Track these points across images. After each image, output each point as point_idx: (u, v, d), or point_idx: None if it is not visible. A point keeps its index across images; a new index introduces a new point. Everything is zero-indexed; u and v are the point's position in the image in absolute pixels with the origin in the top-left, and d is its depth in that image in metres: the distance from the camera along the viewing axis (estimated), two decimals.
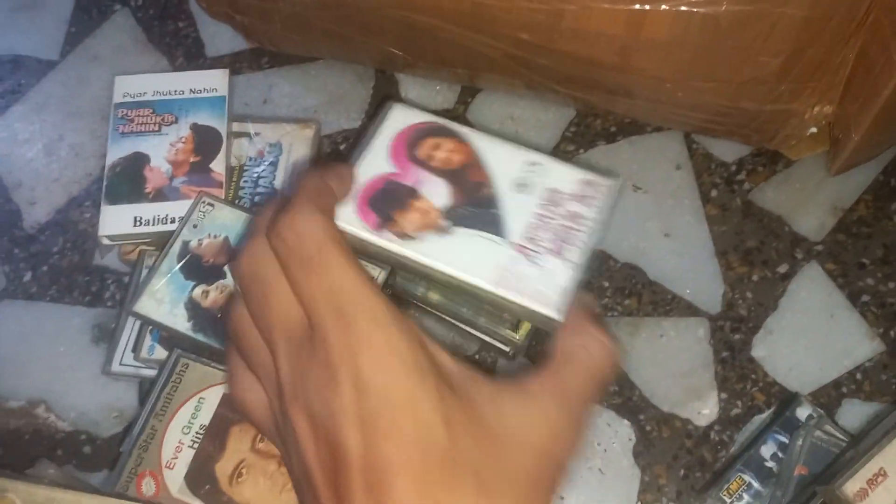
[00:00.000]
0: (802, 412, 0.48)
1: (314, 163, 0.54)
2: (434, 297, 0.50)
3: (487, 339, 0.51)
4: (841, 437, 0.47)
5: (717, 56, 0.44)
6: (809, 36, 0.42)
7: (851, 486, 0.40)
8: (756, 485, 0.47)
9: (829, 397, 0.51)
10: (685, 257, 0.55)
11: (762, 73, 0.45)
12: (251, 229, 0.34)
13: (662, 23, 0.42)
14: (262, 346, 0.31)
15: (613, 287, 0.54)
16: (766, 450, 0.48)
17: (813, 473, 0.45)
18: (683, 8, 0.42)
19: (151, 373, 0.49)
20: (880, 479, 0.40)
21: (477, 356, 0.52)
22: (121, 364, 0.49)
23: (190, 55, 0.63)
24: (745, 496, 0.47)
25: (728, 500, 0.47)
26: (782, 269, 0.54)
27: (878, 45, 0.41)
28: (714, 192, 0.57)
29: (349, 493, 0.26)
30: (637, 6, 0.42)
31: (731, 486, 0.47)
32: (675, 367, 0.52)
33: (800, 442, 0.46)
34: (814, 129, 0.50)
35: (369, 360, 0.27)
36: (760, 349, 0.52)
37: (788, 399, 0.50)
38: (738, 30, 0.42)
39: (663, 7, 0.42)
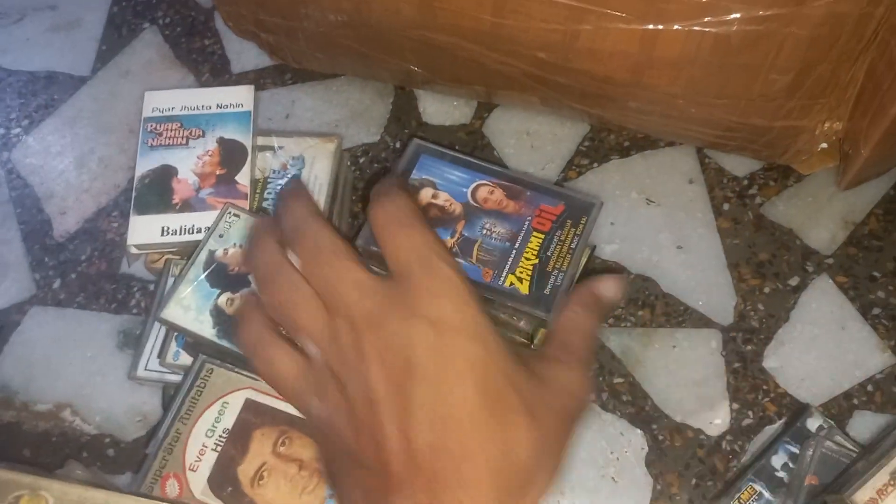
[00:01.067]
0: (813, 423, 0.49)
1: (331, 191, 0.55)
2: None
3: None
4: (851, 447, 0.47)
5: (727, 73, 0.46)
6: (817, 54, 0.43)
7: (861, 496, 0.41)
8: (767, 494, 0.47)
9: (840, 408, 0.51)
10: (698, 269, 0.56)
11: (772, 90, 0.46)
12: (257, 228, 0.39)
13: (675, 41, 0.44)
14: (311, 306, 0.34)
15: (627, 298, 0.55)
16: (777, 460, 0.48)
17: (823, 483, 0.46)
18: (695, 27, 0.43)
19: (175, 378, 0.50)
20: (890, 488, 0.40)
21: None
22: (146, 369, 0.51)
23: (216, 71, 0.65)
24: None
25: None
26: (793, 281, 0.55)
27: (886, 63, 0.42)
28: (726, 206, 0.58)
29: (412, 406, 0.30)
30: (650, 26, 0.43)
31: (742, 496, 0.48)
32: (688, 378, 0.53)
33: (810, 452, 0.47)
34: (824, 145, 0.51)
35: (450, 303, 0.32)
36: (772, 360, 0.53)
37: (799, 410, 0.51)
38: (747, 48, 0.43)
39: (675, 27, 0.43)
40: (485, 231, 0.41)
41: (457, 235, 0.41)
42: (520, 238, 0.41)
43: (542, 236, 0.41)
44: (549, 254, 0.41)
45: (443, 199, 0.42)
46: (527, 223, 0.41)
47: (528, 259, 0.41)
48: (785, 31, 0.42)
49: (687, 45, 0.44)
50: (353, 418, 0.32)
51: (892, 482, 0.42)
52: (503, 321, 0.50)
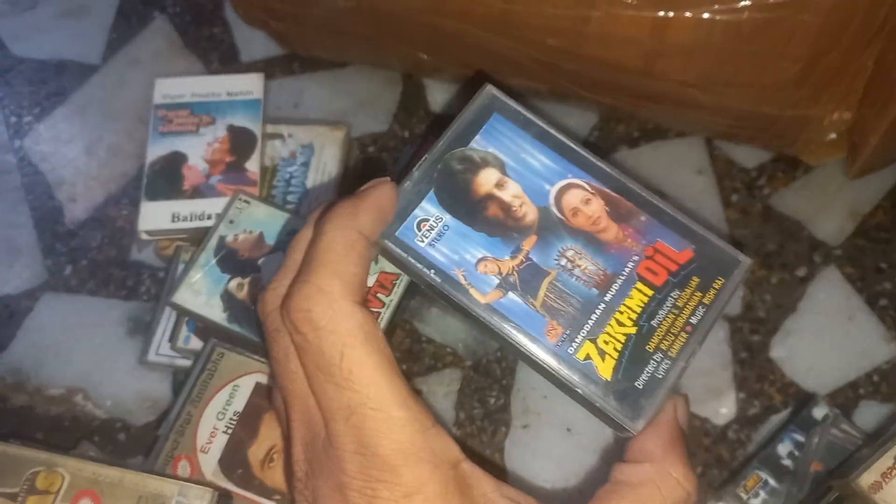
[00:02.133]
0: (819, 412, 0.49)
1: (340, 180, 0.54)
2: None
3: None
4: (857, 435, 0.48)
5: (738, 61, 0.46)
6: (827, 42, 0.43)
7: (866, 479, 0.41)
8: (772, 482, 0.47)
9: (846, 398, 0.52)
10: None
11: (782, 78, 0.46)
12: (284, 262, 0.30)
13: (686, 29, 0.44)
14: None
15: None
16: (783, 448, 0.49)
17: (828, 470, 0.46)
18: (706, 15, 0.43)
19: (186, 363, 0.50)
20: (895, 472, 0.41)
21: (499, 353, 0.54)
22: (157, 353, 0.51)
23: (225, 60, 0.65)
24: (762, 493, 0.47)
25: (745, 497, 0.48)
26: (801, 272, 0.55)
27: (895, 52, 0.42)
28: (735, 197, 0.58)
29: None
30: (661, 13, 0.43)
31: (747, 483, 0.48)
32: (695, 367, 0.52)
33: (816, 439, 0.47)
34: (833, 135, 0.51)
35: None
36: (779, 350, 0.53)
37: (805, 399, 0.51)
38: (758, 36, 0.44)
39: (687, 14, 0.43)
40: (564, 261, 0.28)
41: (519, 257, 0.28)
42: (615, 286, 0.28)
43: (651, 293, 0.28)
44: (654, 323, 0.28)
45: (511, 192, 0.28)
46: (631, 265, 0.28)
47: (621, 324, 0.27)
48: (796, 19, 0.42)
49: (698, 33, 0.44)
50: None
51: None
52: None
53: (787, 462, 0.48)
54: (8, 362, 0.56)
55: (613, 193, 0.29)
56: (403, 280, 0.48)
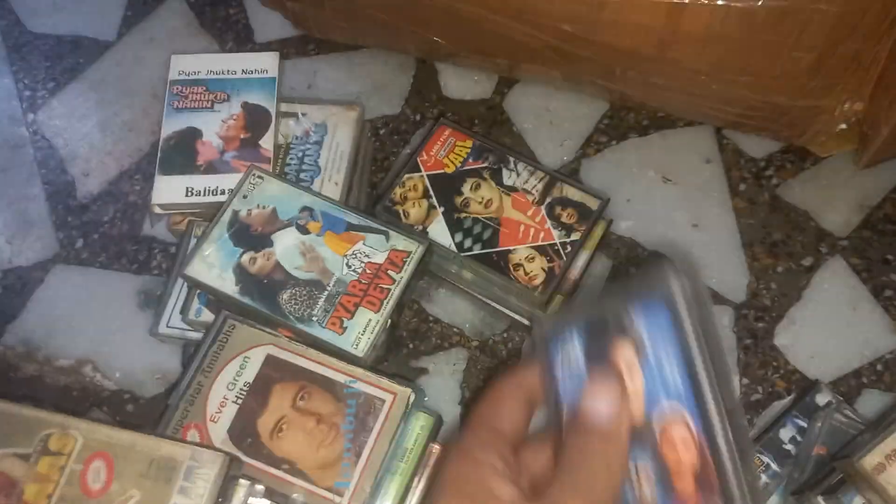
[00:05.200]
0: (822, 398, 0.50)
1: (352, 159, 0.55)
2: (467, 275, 0.52)
3: (517, 316, 0.53)
4: (859, 420, 0.48)
5: (751, 50, 0.46)
6: (842, 32, 0.44)
7: (870, 461, 0.41)
8: (774, 466, 0.48)
9: (849, 387, 0.52)
10: (712, 248, 0.57)
11: (795, 68, 0.47)
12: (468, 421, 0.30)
13: (700, 16, 0.44)
14: None
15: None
16: (785, 433, 0.49)
17: (830, 454, 0.46)
18: (721, 2, 0.43)
19: (196, 336, 0.51)
20: None
21: (505, 334, 0.54)
22: (168, 326, 0.52)
23: (240, 40, 0.66)
24: (764, 476, 0.48)
25: None
26: (807, 262, 0.56)
27: None
28: (742, 186, 0.58)
29: None
30: (676, 0, 0.44)
31: None
32: None
33: (819, 424, 0.48)
34: (843, 126, 0.52)
35: None
36: (783, 338, 0.54)
37: (808, 386, 0.51)
38: (773, 25, 0.44)
39: (702, 1, 0.44)
40: (633, 473, 0.26)
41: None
42: None
43: None
44: None
45: (636, 382, 0.26)
46: None
47: None
48: (811, 8, 0.43)
49: (712, 20, 0.44)
50: None
51: None
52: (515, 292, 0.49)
53: (789, 447, 0.48)
54: (19, 332, 0.56)
55: (710, 457, 0.25)
56: (413, 259, 0.48)
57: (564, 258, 0.50)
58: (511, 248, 0.50)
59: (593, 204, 0.52)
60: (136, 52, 0.66)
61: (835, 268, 0.55)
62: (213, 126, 0.54)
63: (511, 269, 0.50)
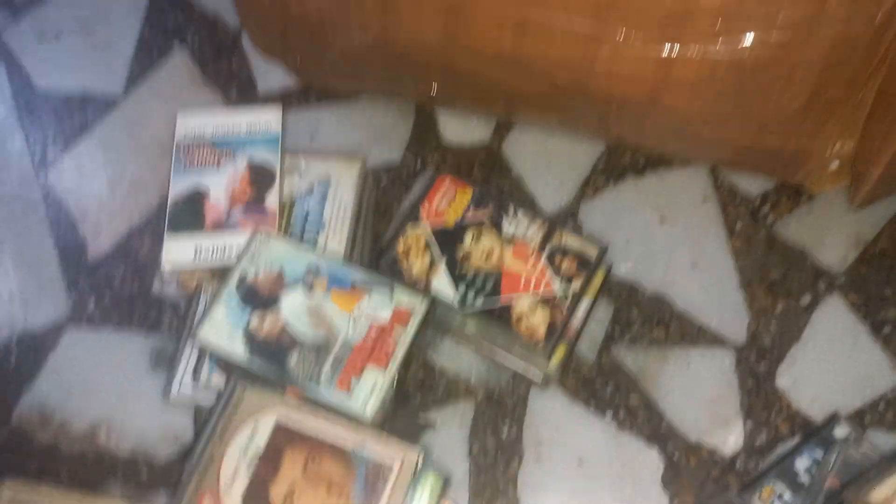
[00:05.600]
0: (841, 431, 0.50)
1: (356, 212, 0.55)
2: (470, 327, 0.53)
3: (520, 368, 0.54)
4: (874, 455, 0.49)
5: (741, 97, 0.47)
6: (828, 78, 0.45)
7: (878, 494, 0.42)
8: (787, 495, 0.49)
9: (852, 427, 0.53)
10: (711, 288, 0.57)
11: (784, 112, 0.47)
12: None
13: (690, 66, 0.45)
14: None
15: (643, 317, 0.57)
16: (801, 463, 0.50)
17: (843, 485, 0.47)
18: (710, 51, 0.44)
19: (208, 401, 0.52)
20: None
21: (511, 382, 0.55)
22: (180, 389, 0.53)
23: (243, 91, 0.67)
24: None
25: None
26: (805, 300, 0.57)
27: None
28: (739, 225, 0.59)
29: None
30: (667, 51, 0.45)
31: (762, 493, 0.49)
32: (703, 396, 0.54)
33: (835, 455, 0.48)
34: (836, 164, 0.53)
35: None
36: (785, 379, 0.55)
37: (810, 427, 0.52)
38: (761, 73, 0.45)
39: (691, 51, 0.45)
40: None
41: None
42: None
43: None
44: None
45: None
46: None
47: None
48: (797, 55, 0.43)
49: (702, 69, 0.45)
50: None
51: None
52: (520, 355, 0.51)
53: (804, 478, 0.49)
54: (34, 398, 0.57)
55: None
56: (418, 315, 0.50)
57: (566, 309, 0.51)
58: (513, 300, 0.51)
59: (592, 252, 0.53)
60: (142, 107, 0.67)
61: (833, 305, 0.56)
62: (220, 185, 0.55)
63: (514, 322, 0.51)
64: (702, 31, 0.42)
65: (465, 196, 0.55)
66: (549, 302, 0.51)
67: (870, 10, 0.39)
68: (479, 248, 0.53)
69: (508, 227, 0.54)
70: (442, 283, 0.52)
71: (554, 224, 0.54)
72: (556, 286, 0.52)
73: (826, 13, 0.39)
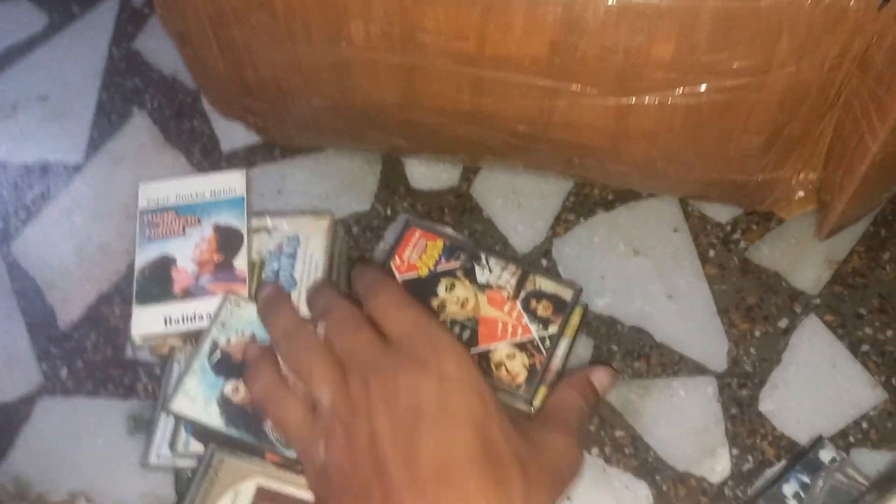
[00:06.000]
0: (826, 454, 0.50)
1: (328, 268, 0.56)
2: None
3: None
4: (862, 481, 0.49)
5: (702, 139, 0.47)
6: (786, 116, 0.45)
7: None
8: None
9: (836, 447, 0.53)
10: (689, 318, 0.57)
11: (746, 149, 0.48)
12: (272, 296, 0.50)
13: (648, 114, 0.46)
14: (328, 360, 0.41)
15: (623, 350, 0.57)
16: (788, 489, 0.50)
17: None
18: (667, 100, 0.45)
19: (188, 463, 0.51)
20: None
21: None
22: (158, 458, 0.52)
23: (206, 151, 0.67)
24: None
25: None
26: (783, 323, 0.57)
27: (851, 124, 0.44)
28: (712, 252, 0.59)
29: (417, 445, 0.35)
30: (623, 101, 0.45)
31: None
32: (688, 426, 0.54)
33: (821, 483, 0.48)
34: (801, 193, 0.53)
35: (453, 362, 0.38)
36: (768, 403, 0.54)
37: (797, 451, 0.52)
38: (719, 115, 0.45)
39: (647, 100, 0.45)
40: None
41: None
42: None
43: None
44: None
45: None
46: None
47: None
48: (753, 98, 0.44)
49: (660, 117, 0.46)
50: (356, 455, 0.37)
51: None
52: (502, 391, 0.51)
53: (791, 503, 0.49)
54: (9, 471, 0.56)
55: None
56: None
57: (545, 352, 0.51)
58: (491, 346, 0.51)
59: (567, 294, 0.53)
60: (105, 172, 0.67)
61: (811, 327, 0.56)
62: (187, 252, 0.55)
63: (493, 369, 0.50)
64: (656, 83, 0.43)
65: (437, 247, 0.55)
66: (527, 346, 0.51)
67: (818, 57, 0.40)
68: (454, 298, 0.53)
69: (481, 275, 0.53)
70: None
71: (527, 270, 0.53)
72: (534, 330, 0.51)
73: (776, 61, 0.40)
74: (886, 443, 0.53)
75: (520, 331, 0.51)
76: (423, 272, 0.54)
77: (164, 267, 0.54)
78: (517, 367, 0.50)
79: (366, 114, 0.53)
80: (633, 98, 0.45)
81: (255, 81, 0.52)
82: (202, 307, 0.53)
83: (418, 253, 0.55)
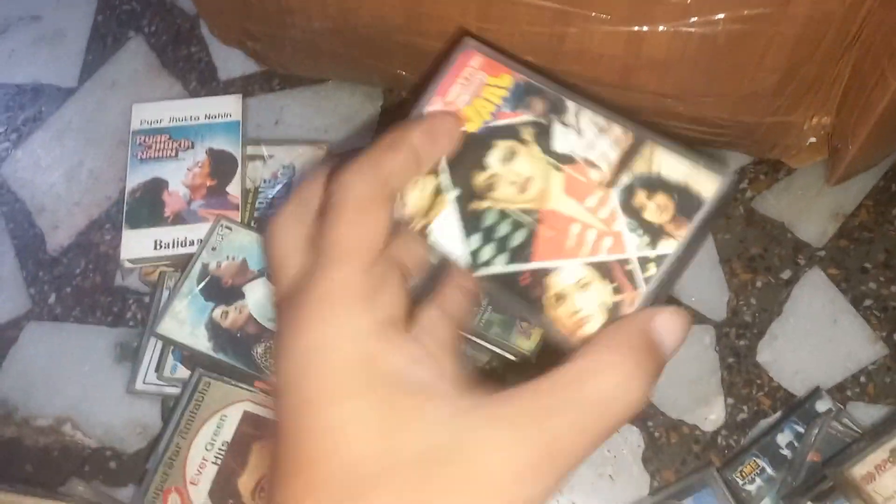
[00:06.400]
0: (822, 405, 0.50)
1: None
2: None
3: (497, 349, 0.52)
4: (856, 429, 0.48)
5: (715, 73, 0.46)
6: (803, 53, 0.43)
7: (860, 470, 0.41)
8: (769, 470, 0.48)
9: (833, 400, 0.52)
10: (691, 265, 0.56)
11: (760, 88, 0.46)
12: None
13: (661, 43, 0.44)
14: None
15: None
16: (783, 438, 0.49)
17: (824, 460, 0.47)
18: (681, 28, 0.43)
19: (174, 390, 0.50)
20: (888, 465, 0.41)
21: (488, 366, 0.54)
22: (144, 383, 0.51)
23: (203, 79, 0.65)
24: (758, 479, 0.48)
25: (741, 482, 0.48)
26: (785, 275, 0.56)
27: (871, 61, 0.42)
28: None
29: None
30: (636, 28, 0.43)
31: (744, 469, 0.48)
32: (683, 374, 0.53)
33: (816, 430, 0.48)
34: (813, 140, 0.52)
35: (323, 329, 0.24)
36: (765, 354, 0.54)
37: (793, 402, 0.51)
38: (734, 48, 0.43)
39: (661, 28, 0.43)
40: None
41: None
42: None
43: None
44: None
45: None
46: None
47: None
48: (771, 31, 0.42)
49: (674, 46, 0.44)
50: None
51: (891, 459, 0.43)
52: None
53: (785, 452, 0.49)
54: None
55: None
56: None
57: (644, 286, 0.26)
58: (553, 264, 0.27)
59: (706, 185, 0.27)
60: (98, 97, 0.65)
61: (813, 280, 0.55)
62: (179, 175, 0.53)
63: (547, 302, 0.27)
64: (671, 8, 0.41)
65: (501, 86, 0.31)
66: (614, 271, 0.27)
67: None
68: (511, 175, 0.29)
69: (563, 139, 0.29)
70: (446, 228, 0.29)
71: (643, 136, 0.30)
72: (634, 244, 0.27)
73: None
74: (883, 397, 0.52)
75: (608, 242, 0.27)
76: (475, 125, 0.30)
77: (155, 190, 0.53)
78: (590, 305, 0.27)
79: (367, 38, 0.51)
80: (647, 27, 0.43)
81: (256, 1, 0.50)
82: (193, 232, 0.52)
83: (471, 93, 0.31)
